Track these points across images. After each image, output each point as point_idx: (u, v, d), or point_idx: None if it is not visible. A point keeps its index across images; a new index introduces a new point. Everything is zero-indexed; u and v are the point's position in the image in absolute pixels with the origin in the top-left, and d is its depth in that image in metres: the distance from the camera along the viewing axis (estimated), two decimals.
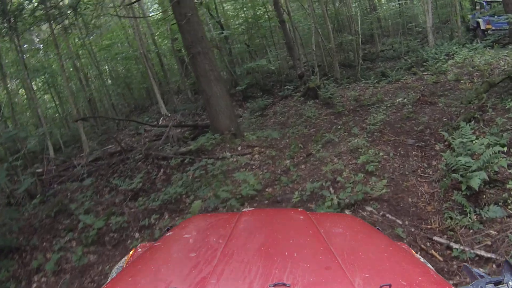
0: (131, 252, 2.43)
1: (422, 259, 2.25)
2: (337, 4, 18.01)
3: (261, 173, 6.67)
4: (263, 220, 2.53)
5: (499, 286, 1.43)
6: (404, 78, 12.15)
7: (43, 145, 11.48)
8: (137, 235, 5.68)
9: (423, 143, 6.43)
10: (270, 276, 1.50)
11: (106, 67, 21.44)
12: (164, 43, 19.51)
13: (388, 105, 8.79)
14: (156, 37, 18.61)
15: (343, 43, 16.72)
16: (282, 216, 2.66)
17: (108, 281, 1.82)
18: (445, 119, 7.21)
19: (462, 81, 10.02)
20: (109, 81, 21.67)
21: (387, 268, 1.71)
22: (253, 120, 10.16)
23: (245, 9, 16.78)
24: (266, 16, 16.07)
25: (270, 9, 15.51)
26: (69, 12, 10.94)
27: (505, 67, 10.61)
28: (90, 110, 18.57)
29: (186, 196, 6.35)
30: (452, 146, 5.49)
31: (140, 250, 2.45)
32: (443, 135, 6.02)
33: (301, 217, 2.44)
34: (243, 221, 2.32)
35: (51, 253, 5.55)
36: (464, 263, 2.39)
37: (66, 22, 13.26)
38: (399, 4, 15.74)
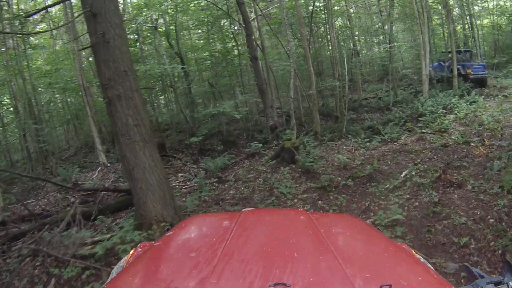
0: (131, 252, 2.31)
1: (422, 259, 2.15)
2: (317, 43, 15.82)
3: None
4: (263, 220, 2.44)
5: (499, 286, 1.40)
6: (401, 137, 9.81)
7: None
8: None
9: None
10: (271, 276, 1.46)
11: (41, 97, 18.09)
12: None
13: (396, 184, 6.20)
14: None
15: (323, 88, 14.43)
16: (283, 216, 2.62)
17: (108, 281, 1.80)
18: (491, 220, 4.91)
19: (473, 144, 8.25)
20: (46, 115, 18.20)
21: (387, 268, 1.67)
22: (207, 191, 7.24)
23: (211, 40, 14.21)
24: (236, 51, 13.59)
25: (242, 42, 12.98)
26: None
27: None
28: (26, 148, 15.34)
29: None
30: None
31: (140, 250, 2.34)
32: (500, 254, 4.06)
33: (302, 217, 2.39)
34: (243, 221, 2.25)
35: None
36: (465, 263, 2.04)
37: None
38: (389, 47, 13.62)
